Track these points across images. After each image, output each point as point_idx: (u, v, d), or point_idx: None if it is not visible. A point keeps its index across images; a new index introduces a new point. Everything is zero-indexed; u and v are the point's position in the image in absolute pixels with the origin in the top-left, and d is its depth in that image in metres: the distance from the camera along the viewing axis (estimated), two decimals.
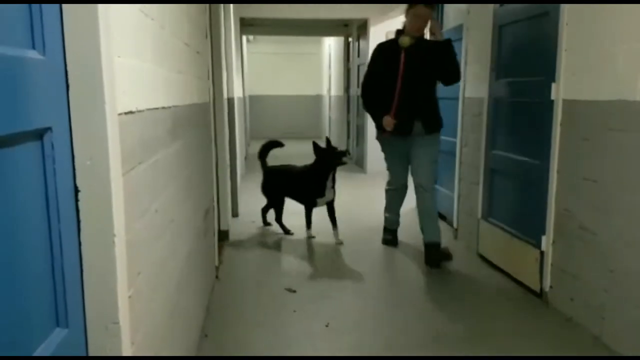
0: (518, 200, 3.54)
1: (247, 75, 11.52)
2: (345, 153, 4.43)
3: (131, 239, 1.36)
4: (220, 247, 3.99)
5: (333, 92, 12.09)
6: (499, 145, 3.80)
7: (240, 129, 6.96)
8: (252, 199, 5.83)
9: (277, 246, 4.40)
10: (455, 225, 4.56)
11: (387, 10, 7.51)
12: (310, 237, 4.50)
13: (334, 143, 4.59)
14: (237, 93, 6.26)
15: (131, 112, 1.40)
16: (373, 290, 3.45)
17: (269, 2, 7.44)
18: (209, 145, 3.42)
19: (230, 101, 5.14)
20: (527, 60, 3.43)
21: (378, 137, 4.07)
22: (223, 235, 4.37)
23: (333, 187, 4.36)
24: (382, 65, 3.88)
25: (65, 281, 1.14)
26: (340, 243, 4.34)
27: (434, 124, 3.89)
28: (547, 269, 3.10)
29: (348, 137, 9.85)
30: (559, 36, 2.95)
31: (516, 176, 3.56)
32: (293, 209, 4.72)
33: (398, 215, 4.30)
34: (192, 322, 2.44)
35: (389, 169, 4.18)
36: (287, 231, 4.66)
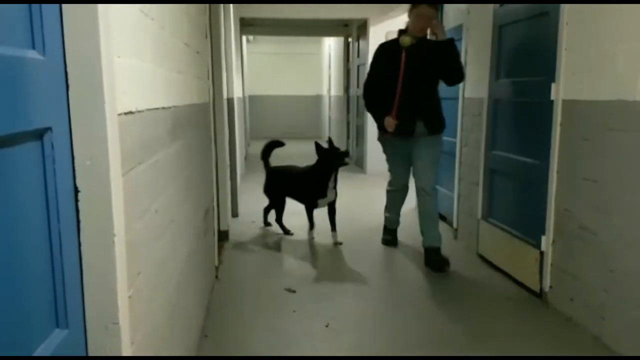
0: (518, 200, 3.54)
1: (247, 76, 11.53)
2: (347, 153, 4.42)
3: (131, 239, 1.36)
4: (220, 247, 3.99)
5: (333, 92, 12.09)
6: (498, 146, 3.80)
7: (240, 129, 6.96)
8: (252, 199, 5.83)
9: (277, 246, 4.40)
10: (455, 225, 4.56)
11: (387, 10, 7.51)
12: (312, 238, 4.49)
13: (327, 139, 4.58)
14: (237, 93, 6.26)
15: (131, 113, 1.40)
16: (373, 291, 3.45)
17: (269, 2, 7.44)
18: (208, 145, 3.42)
19: (230, 101, 5.14)
20: (527, 60, 3.43)
21: (380, 138, 4.04)
22: (223, 236, 4.37)
23: (335, 187, 4.35)
24: (383, 66, 3.86)
25: (65, 281, 1.14)
26: (340, 243, 4.34)
27: (436, 124, 3.86)
28: (547, 269, 3.10)
29: (348, 137, 9.86)
30: (559, 36, 2.95)
31: (516, 176, 3.56)
32: (294, 210, 4.72)
33: (398, 215, 4.30)
34: (192, 322, 2.44)
35: (390, 170, 4.15)
36: (287, 231, 4.66)
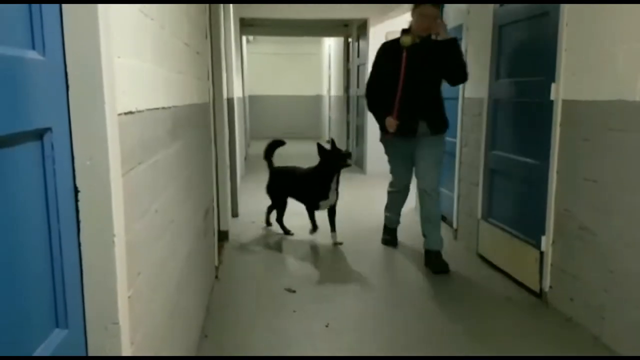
0: (518, 200, 3.54)
1: (247, 76, 11.53)
2: (349, 155, 4.39)
3: (131, 239, 1.36)
4: (220, 248, 3.99)
5: (333, 93, 12.10)
6: (498, 146, 3.80)
7: (240, 130, 6.96)
8: (252, 199, 5.83)
9: (277, 246, 4.40)
10: (455, 225, 4.56)
11: (387, 10, 7.51)
12: (312, 239, 4.46)
13: (330, 141, 4.57)
14: (237, 93, 6.26)
15: (131, 113, 1.40)
16: (373, 291, 3.45)
17: (269, 2, 7.44)
18: (208, 145, 3.42)
19: (230, 101, 5.14)
20: (527, 61, 3.43)
21: (382, 139, 4.00)
22: (223, 236, 4.37)
23: (337, 189, 4.33)
24: (384, 66, 3.83)
25: (65, 281, 1.14)
26: (340, 243, 4.34)
27: (439, 124, 3.81)
28: (547, 269, 3.10)
29: (348, 137, 9.86)
30: (559, 36, 2.95)
31: (516, 176, 3.56)
32: (294, 210, 4.71)
33: (399, 215, 4.29)
34: (192, 322, 2.44)
35: (391, 171, 4.11)
36: (287, 232, 4.66)
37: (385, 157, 4.11)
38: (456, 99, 4.46)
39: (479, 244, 3.99)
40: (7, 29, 0.96)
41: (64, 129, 1.14)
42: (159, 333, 1.71)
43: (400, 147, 3.88)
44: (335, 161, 4.25)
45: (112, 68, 1.22)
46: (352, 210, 5.45)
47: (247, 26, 9.25)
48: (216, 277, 3.55)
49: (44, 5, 1.06)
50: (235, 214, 5.15)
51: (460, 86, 4.28)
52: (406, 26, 3.80)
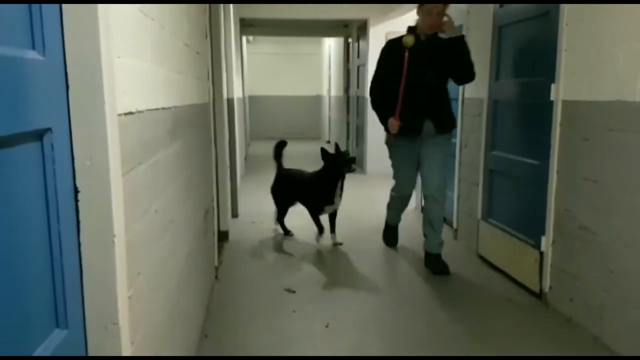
0: (518, 201, 3.54)
1: (247, 76, 11.53)
2: (353, 160, 4.32)
3: (131, 239, 1.36)
4: (220, 248, 3.99)
5: (333, 93, 12.10)
6: (498, 146, 3.80)
7: (240, 130, 6.96)
8: (252, 199, 5.84)
9: (277, 247, 4.40)
10: (455, 225, 4.56)
11: (387, 11, 7.51)
12: (318, 242, 4.40)
13: (334, 144, 4.50)
14: (237, 93, 6.26)
15: (131, 113, 1.40)
16: (373, 291, 3.45)
17: (269, 2, 7.44)
18: (208, 145, 3.42)
19: (230, 102, 5.14)
20: (527, 61, 3.43)
21: (387, 142, 3.90)
22: (223, 236, 4.37)
23: (341, 195, 4.29)
24: (388, 65, 3.74)
25: (65, 282, 1.14)
26: (339, 244, 4.34)
27: (446, 123, 3.73)
28: (547, 269, 3.10)
29: (348, 137, 9.86)
30: (558, 36, 2.95)
31: (516, 177, 3.55)
32: (294, 210, 4.71)
33: (401, 212, 4.26)
34: (192, 322, 2.44)
35: (395, 176, 3.99)
36: (287, 232, 4.66)
37: (386, 157, 4.03)
38: (456, 99, 4.45)
39: (478, 244, 3.99)
40: (7, 29, 0.96)
41: (64, 129, 1.14)
42: (159, 333, 1.71)
43: (406, 149, 3.78)
44: (339, 166, 4.20)
45: (112, 68, 1.22)
46: (352, 210, 5.44)
47: (247, 26, 9.25)
48: (216, 277, 3.55)
49: (44, 5, 1.06)
50: (235, 214, 5.15)
51: (460, 87, 4.28)
52: (412, 24, 3.73)
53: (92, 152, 1.18)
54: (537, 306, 3.12)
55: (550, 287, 3.09)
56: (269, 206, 4.91)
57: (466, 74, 3.63)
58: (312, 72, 14.33)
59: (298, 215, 4.67)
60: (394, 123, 3.67)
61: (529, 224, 3.34)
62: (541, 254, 3.14)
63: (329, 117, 12.78)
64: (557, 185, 3.02)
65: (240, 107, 7.36)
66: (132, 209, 1.39)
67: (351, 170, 4.23)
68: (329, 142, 12.19)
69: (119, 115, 1.27)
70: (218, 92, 4.19)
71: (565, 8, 2.90)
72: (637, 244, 2.40)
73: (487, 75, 3.86)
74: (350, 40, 9.68)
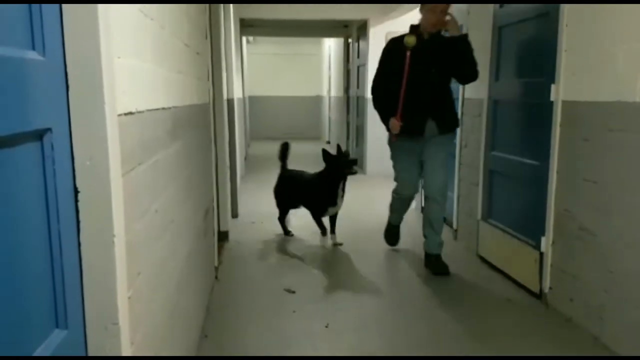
0: (518, 201, 3.54)
1: (247, 76, 11.53)
2: (355, 161, 4.30)
3: (131, 239, 1.36)
4: (220, 248, 3.99)
5: (333, 93, 12.10)
6: (498, 146, 3.80)
7: (240, 130, 6.96)
8: (252, 199, 5.84)
9: (276, 247, 4.40)
10: (455, 226, 4.56)
11: (387, 11, 7.51)
12: (322, 243, 4.40)
13: (334, 145, 4.50)
14: (237, 94, 6.26)
15: (131, 113, 1.40)
16: (373, 291, 3.45)
17: (269, 3, 7.44)
18: (208, 145, 3.42)
19: (230, 102, 5.14)
20: (526, 61, 3.43)
21: (389, 142, 3.87)
22: (223, 236, 4.37)
23: (343, 196, 4.29)
24: (389, 65, 3.71)
25: (65, 282, 1.14)
26: (339, 244, 4.34)
27: (448, 122, 3.70)
28: (547, 269, 3.10)
29: (348, 137, 9.86)
30: (558, 37, 2.95)
31: (516, 177, 3.55)
32: (294, 210, 4.71)
33: (403, 211, 4.25)
34: (192, 322, 2.44)
35: (396, 178, 3.93)
36: (287, 232, 4.66)
37: (386, 157, 4.00)
38: (456, 99, 4.45)
39: (478, 244, 3.99)
40: (7, 29, 0.96)
41: (64, 129, 1.14)
42: (159, 333, 1.71)
43: (408, 149, 3.74)
44: (340, 167, 4.19)
45: (112, 68, 1.22)
46: (352, 210, 5.43)
47: (247, 27, 9.25)
48: (216, 277, 3.55)
49: (44, 5, 1.06)
50: (235, 215, 5.15)
51: (460, 87, 4.28)
52: (415, 22, 3.68)
53: (92, 152, 1.18)
54: (537, 306, 3.12)
55: (550, 288, 3.09)
56: (269, 206, 4.91)
57: (469, 73, 3.59)
58: (312, 72, 14.33)
59: (298, 216, 4.67)
60: (395, 124, 3.64)
61: (529, 225, 3.34)
62: (541, 254, 3.14)
63: (329, 118, 12.78)
64: (557, 186, 3.02)
65: (241, 108, 7.36)
66: (132, 209, 1.39)
67: (353, 173, 4.22)
68: (329, 142, 12.19)
69: (119, 115, 1.27)
70: (218, 92, 4.19)
71: (565, 8, 2.90)
72: (637, 244, 2.40)
73: (487, 76, 3.86)
74: (350, 40, 9.68)
